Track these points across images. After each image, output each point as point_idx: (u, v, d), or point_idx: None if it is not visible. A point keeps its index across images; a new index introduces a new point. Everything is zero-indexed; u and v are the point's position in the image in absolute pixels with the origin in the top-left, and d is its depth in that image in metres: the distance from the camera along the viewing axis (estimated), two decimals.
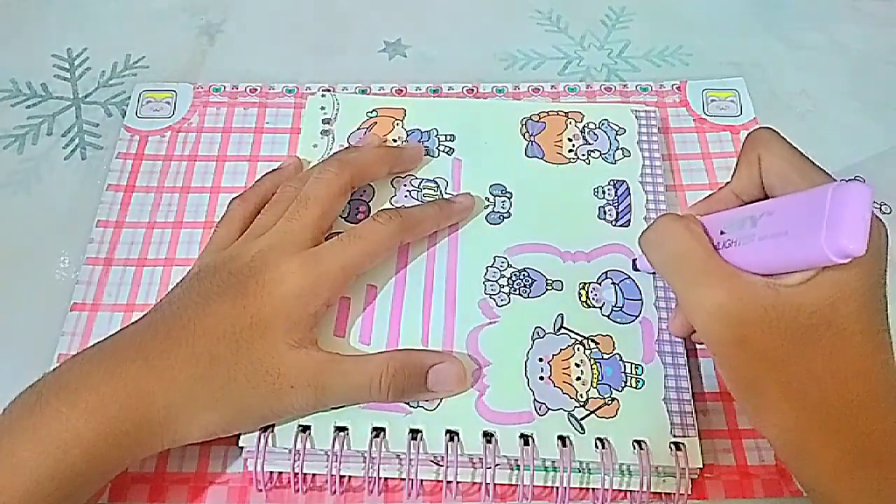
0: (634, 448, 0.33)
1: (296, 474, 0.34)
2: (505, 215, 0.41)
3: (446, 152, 0.43)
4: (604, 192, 0.42)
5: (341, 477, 0.34)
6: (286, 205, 0.37)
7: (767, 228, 0.29)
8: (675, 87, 0.49)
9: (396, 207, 0.39)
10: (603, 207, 0.41)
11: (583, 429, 0.34)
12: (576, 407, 0.35)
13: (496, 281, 0.38)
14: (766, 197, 0.32)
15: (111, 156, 0.45)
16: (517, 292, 0.38)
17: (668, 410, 0.35)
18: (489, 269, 0.39)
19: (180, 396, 0.32)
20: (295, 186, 0.38)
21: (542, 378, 0.35)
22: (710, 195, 0.35)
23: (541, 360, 0.36)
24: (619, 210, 0.41)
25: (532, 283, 0.38)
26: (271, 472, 0.35)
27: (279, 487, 0.35)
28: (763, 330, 0.29)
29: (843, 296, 0.28)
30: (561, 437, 0.34)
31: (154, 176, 0.44)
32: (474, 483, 0.34)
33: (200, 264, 0.36)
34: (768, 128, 0.33)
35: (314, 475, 0.35)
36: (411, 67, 0.50)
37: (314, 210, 0.36)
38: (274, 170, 0.42)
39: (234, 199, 0.40)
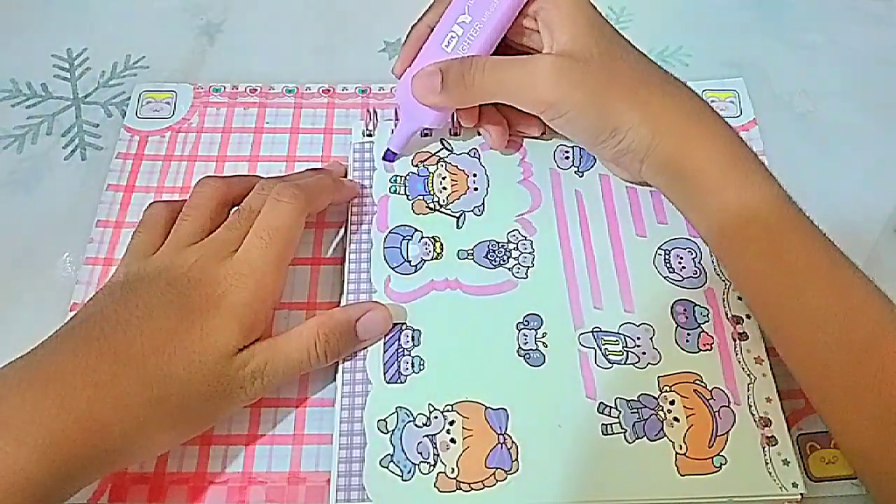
0: None
1: None
2: None
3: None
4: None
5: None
6: (207, 211, 0.36)
7: (479, 25, 0.38)
8: None
9: (280, 177, 0.40)
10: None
11: None
12: None
13: None
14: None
15: (111, 156, 0.45)
16: None
17: None
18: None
19: (136, 423, 0.31)
20: (214, 187, 0.37)
21: None
22: (407, 41, 0.41)
23: None
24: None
25: None
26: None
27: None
28: (585, 68, 0.36)
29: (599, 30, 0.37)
30: None
31: (154, 176, 0.44)
32: None
33: (126, 272, 0.35)
34: None
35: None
36: None
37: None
38: (209, 177, 0.39)
39: (153, 202, 0.38)
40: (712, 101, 0.47)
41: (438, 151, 0.44)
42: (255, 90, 0.48)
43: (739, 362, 0.37)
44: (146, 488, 0.35)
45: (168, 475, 0.35)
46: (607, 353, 0.37)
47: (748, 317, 0.38)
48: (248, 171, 0.44)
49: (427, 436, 0.35)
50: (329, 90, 0.48)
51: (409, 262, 0.39)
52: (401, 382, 0.36)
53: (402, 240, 0.40)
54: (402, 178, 0.42)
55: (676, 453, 0.34)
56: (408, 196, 0.42)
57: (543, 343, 0.37)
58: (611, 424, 0.35)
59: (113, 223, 0.42)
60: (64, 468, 0.29)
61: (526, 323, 0.38)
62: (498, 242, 0.40)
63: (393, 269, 0.39)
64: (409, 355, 0.37)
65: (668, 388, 0.36)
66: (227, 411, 0.34)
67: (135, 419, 0.31)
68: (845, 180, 0.45)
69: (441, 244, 0.40)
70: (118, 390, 0.30)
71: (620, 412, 0.35)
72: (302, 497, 0.35)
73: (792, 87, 0.49)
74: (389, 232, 0.41)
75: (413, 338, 0.37)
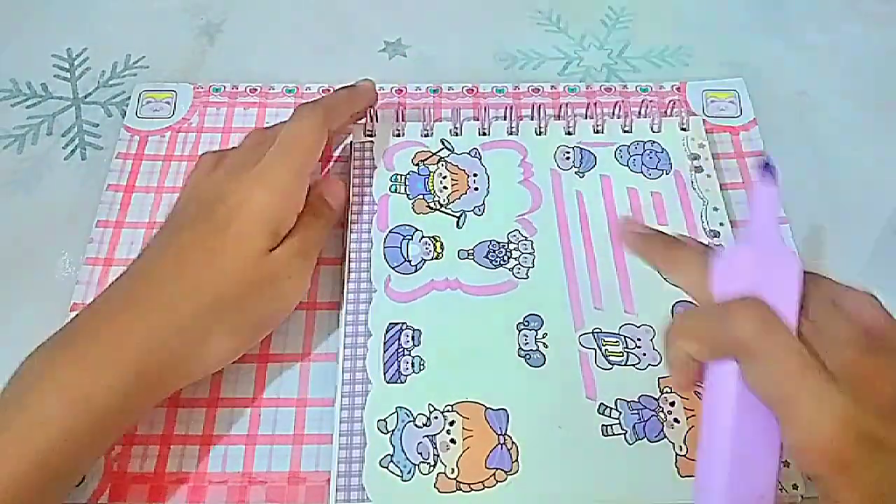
0: None
1: None
2: None
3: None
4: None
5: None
6: (254, 145, 0.38)
7: None
8: (674, 87, 0.49)
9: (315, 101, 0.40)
10: None
11: None
12: None
13: None
14: None
15: (111, 156, 0.45)
16: None
17: None
18: None
19: (194, 333, 0.33)
20: (263, 130, 0.40)
21: None
22: None
23: None
24: None
25: None
26: None
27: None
28: (889, 427, 0.26)
29: None
30: None
31: (154, 176, 0.44)
32: None
33: (171, 209, 0.38)
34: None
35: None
36: (411, 67, 0.50)
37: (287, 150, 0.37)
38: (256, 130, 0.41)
39: (204, 153, 0.40)
40: (712, 102, 0.48)
41: (439, 151, 0.44)
42: (255, 90, 0.48)
43: None
44: (146, 488, 0.35)
45: (168, 475, 0.35)
46: (608, 353, 0.37)
47: None
48: None
49: (427, 436, 0.35)
50: (329, 90, 0.48)
51: (410, 261, 0.39)
52: (401, 382, 0.36)
53: (403, 239, 0.40)
54: (403, 177, 0.42)
55: (677, 454, 0.34)
56: (408, 195, 0.42)
57: (544, 343, 0.37)
58: (611, 425, 0.35)
59: (113, 223, 0.42)
60: (131, 378, 0.31)
61: (526, 323, 0.38)
62: (498, 242, 0.40)
63: (393, 268, 0.39)
64: (409, 355, 0.37)
65: (668, 390, 0.36)
66: (284, 306, 0.37)
67: (191, 330, 0.33)
68: (845, 180, 0.45)
69: (441, 244, 0.40)
70: (171, 305, 0.33)
71: (621, 413, 0.35)
72: (302, 497, 0.35)
73: (792, 87, 0.49)
74: (390, 231, 0.40)
75: (413, 338, 0.37)
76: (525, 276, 0.39)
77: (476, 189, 0.42)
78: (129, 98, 0.48)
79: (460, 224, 0.41)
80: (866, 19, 0.53)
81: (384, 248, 0.40)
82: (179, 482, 0.35)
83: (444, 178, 0.42)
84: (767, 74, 0.50)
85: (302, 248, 0.36)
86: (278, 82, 0.49)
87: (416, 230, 0.41)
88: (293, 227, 0.36)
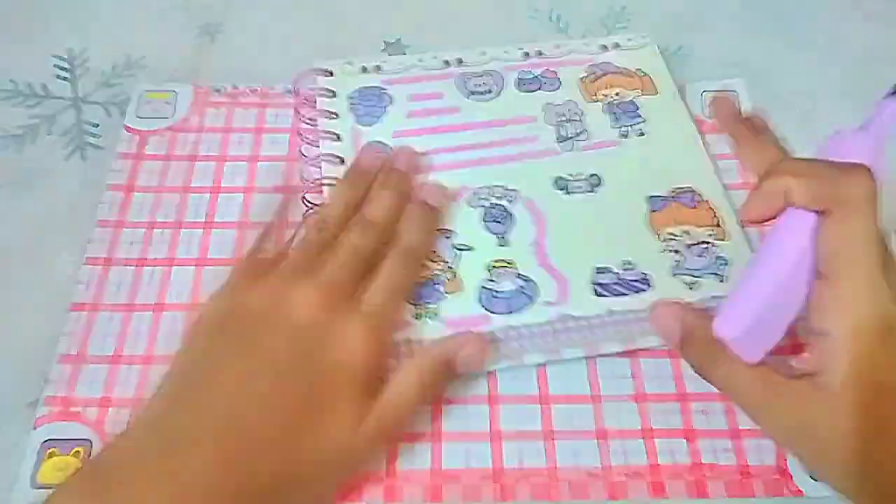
0: None
1: None
2: None
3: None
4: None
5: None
6: (319, 245, 0.35)
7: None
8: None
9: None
10: None
11: None
12: None
13: None
14: None
15: (111, 156, 0.45)
16: None
17: None
18: None
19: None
20: (331, 221, 0.37)
21: None
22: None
23: None
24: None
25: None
26: None
27: None
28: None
29: None
30: None
31: (154, 176, 0.44)
32: None
33: (215, 307, 0.33)
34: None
35: None
36: None
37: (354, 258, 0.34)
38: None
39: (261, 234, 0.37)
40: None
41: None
42: (255, 90, 0.48)
43: None
44: None
45: None
46: None
47: None
48: (248, 172, 0.44)
49: None
50: None
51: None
52: None
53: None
54: None
55: None
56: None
57: None
58: None
59: (113, 223, 0.42)
60: None
61: None
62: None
63: None
64: None
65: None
66: (348, 478, 0.32)
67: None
68: None
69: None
70: (248, 470, 0.28)
71: None
72: None
73: (792, 87, 0.49)
74: None
75: None
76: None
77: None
78: (129, 98, 0.48)
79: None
80: (866, 19, 0.53)
81: None
82: None
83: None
84: (767, 74, 0.50)
85: (382, 432, 0.31)
86: (278, 82, 0.49)
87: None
88: (380, 407, 0.31)
